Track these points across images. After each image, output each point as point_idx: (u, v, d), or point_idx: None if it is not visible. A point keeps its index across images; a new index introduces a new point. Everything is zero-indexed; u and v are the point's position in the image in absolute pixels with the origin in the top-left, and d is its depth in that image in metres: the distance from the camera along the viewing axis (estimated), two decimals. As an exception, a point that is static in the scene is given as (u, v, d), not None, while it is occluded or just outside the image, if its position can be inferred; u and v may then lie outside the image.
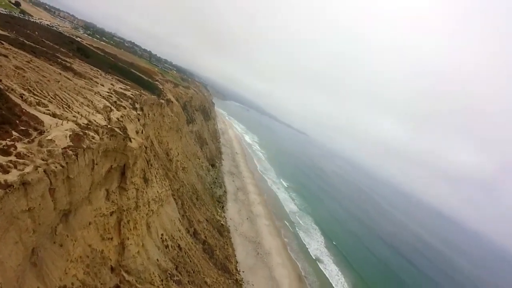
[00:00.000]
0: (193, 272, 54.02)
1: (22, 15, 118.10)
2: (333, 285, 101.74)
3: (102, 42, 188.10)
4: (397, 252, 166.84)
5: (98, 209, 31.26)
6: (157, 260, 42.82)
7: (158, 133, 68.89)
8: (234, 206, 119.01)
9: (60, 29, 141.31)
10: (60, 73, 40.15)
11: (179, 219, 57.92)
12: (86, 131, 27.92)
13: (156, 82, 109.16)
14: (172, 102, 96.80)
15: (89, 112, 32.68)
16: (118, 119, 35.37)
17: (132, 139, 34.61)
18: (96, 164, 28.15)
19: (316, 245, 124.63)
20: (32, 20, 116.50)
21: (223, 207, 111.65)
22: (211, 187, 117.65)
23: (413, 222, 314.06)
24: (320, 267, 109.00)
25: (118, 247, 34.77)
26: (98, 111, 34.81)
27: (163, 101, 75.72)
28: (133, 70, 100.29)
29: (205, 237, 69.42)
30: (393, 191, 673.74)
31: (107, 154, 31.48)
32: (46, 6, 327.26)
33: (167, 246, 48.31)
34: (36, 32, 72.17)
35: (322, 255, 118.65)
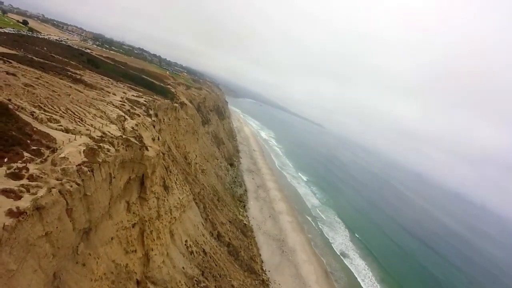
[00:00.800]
0: (220, 277, 53.08)
1: (30, 32, 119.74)
2: (361, 280, 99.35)
3: (112, 52, 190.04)
4: (421, 241, 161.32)
5: (120, 222, 30.42)
6: (183, 268, 41.95)
7: (175, 137, 68.18)
8: (256, 205, 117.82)
9: (69, 42, 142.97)
10: (71, 86, 39.56)
11: (202, 223, 57.03)
12: (101, 144, 26.96)
13: (168, 86, 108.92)
14: (186, 104, 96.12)
15: (102, 124, 31.81)
16: (133, 128, 34.43)
17: (148, 148, 33.62)
18: (114, 177, 27.20)
19: (340, 239, 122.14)
20: (40, 36, 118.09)
21: (244, 206, 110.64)
22: (231, 187, 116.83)
23: (434, 208, 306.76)
24: (347, 262, 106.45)
25: (143, 258, 33.96)
26: (112, 122, 33.94)
27: (177, 104, 74.98)
28: (144, 76, 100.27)
29: (229, 239, 68.46)
30: (411, 175, 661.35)
31: (124, 166, 30.55)
32: (54, 22, 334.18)
33: (192, 252, 47.45)
34: (45, 48, 72.48)
35: (348, 249, 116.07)
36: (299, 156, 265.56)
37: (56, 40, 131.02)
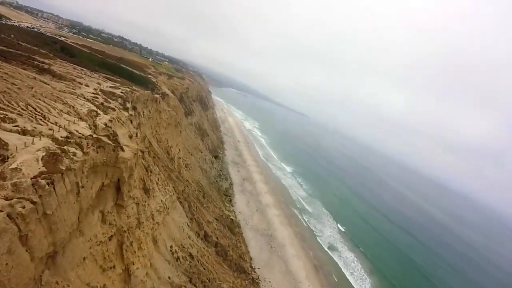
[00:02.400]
0: (209, 281, 49.48)
1: None
2: (350, 274, 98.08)
3: (89, 40, 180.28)
4: (407, 230, 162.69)
5: (93, 237, 26.10)
6: (169, 278, 38.02)
7: (156, 131, 63.30)
8: (242, 198, 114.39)
9: (41, 30, 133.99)
10: (35, 78, 34.45)
11: (187, 223, 53.05)
12: (66, 147, 22.42)
13: (149, 76, 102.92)
14: (167, 95, 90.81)
15: (69, 121, 27.11)
16: (106, 124, 29.84)
17: (124, 147, 29.19)
18: (82, 186, 22.78)
19: (328, 231, 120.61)
20: (9, 23, 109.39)
21: (230, 200, 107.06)
22: (217, 181, 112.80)
23: (419, 197, 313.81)
24: (335, 255, 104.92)
25: (123, 274, 29.81)
26: (81, 118, 29.25)
27: (158, 95, 69.86)
28: (123, 65, 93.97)
29: (217, 238, 64.79)
30: (395, 165, 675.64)
31: (96, 171, 26.11)
32: (28, 9, 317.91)
33: (178, 258, 43.52)
34: (12, 35, 65.75)
35: (336, 242, 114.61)
36: (284, 146, 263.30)
37: (27, 27, 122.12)
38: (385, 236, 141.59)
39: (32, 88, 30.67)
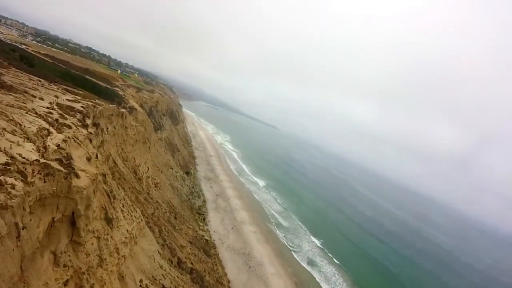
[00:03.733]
0: (183, 315, 44.42)
1: None
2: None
3: (54, 49, 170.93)
4: (381, 239, 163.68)
5: (44, 286, 21.04)
6: (137, 319, 32.89)
7: (122, 149, 57.84)
8: (216, 216, 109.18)
9: (1, 36, 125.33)
10: (-26, 89, 29.07)
11: (158, 251, 47.80)
12: (2, 177, 17.64)
13: (116, 88, 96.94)
14: (135, 109, 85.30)
15: (12, 143, 22.15)
16: (58, 145, 25.02)
17: (80, 173, 24.44)
18: (24, 227, 17.98)
19: (306, 246, 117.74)
20: None
21: (204, 219, 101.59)
22: (189, 199, 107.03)
23: (391, 204, 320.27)
24: (315, 270, 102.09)
25: (81, 325, 24.66)
26: (28, 138, 24.27)
27: (124, 110, 64.56)
28: (88, 77, 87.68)
29: (192, 263, 59.57)
30: (368, 174, 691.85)
31: (44, 204, 21.25)
32: None
33: (148, 294, 38.34)
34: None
35: (315, 256, 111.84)
36: (256, 160, 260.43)
37: None
38: (362, 247, 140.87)
39: (-32, 103, 25.47)
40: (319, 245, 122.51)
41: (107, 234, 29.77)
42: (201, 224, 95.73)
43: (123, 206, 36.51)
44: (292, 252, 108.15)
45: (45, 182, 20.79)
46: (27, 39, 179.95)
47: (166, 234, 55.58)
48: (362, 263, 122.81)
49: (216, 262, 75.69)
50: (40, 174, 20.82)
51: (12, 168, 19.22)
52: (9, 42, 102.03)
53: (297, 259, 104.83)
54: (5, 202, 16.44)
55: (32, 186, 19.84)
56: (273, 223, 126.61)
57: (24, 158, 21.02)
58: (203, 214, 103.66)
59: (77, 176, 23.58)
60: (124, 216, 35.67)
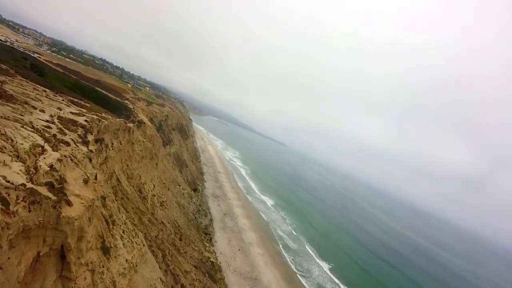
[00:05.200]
0: None
1: None
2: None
3: (67, 59, 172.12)
4: (395, 265, 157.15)
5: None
6: None
7: (127, 165, 54.93)
8: (223, 236, 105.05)
9: (15, 44, 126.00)
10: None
11: (160, 278, 44.07)
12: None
13: (126, 101, 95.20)
14: (144, 123, 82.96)
15: (-3, 163, 19.23)
16: (51, 166, 22.03)
17: (73, 198, 21.31)
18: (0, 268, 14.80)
19: (316, 270, 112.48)
20: None
21: (211, 239, 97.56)
22: (196, 217, 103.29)
23: (402, 226, 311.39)
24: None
25: None
26: (18, 157, 21.34)
27: (132, 124, 62.01)
28: (98, 88, 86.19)
29: (195, 290, 55.55)
30: (377, 193, 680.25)
31: (28, 236, 18.10)
32: (10, 23, 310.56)
33: (146, 329, 34.58)
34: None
35: (325, 282, 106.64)
36: (264, 177, 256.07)
37: (0, 40, 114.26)
38: (372, 272, 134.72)
39: (-44, 114, 22.77)
40: (328, 270, 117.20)
41: (103, 266, 26.37)
42: (207, 244, 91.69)
43: (123, 232, 33.19)
44: (300, 277, 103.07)
45: (30, 211, 17.67)
46: (41, 48, 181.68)
47: (170, 258, 51.88)
48: None
49: (222, 288, 71.39)
50: (25, 201, 17.73)
51: (-10, 194, 16.18)
52: (21, 50, 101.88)
53: (306, 284, 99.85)
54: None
55: (14, 216, 16.73)
56: (281, 245, 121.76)
57: (8, 181, 17.97)
58: (209, 234, 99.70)
59: (69, 204, 20.43)
60: (124, 244, 32.29)
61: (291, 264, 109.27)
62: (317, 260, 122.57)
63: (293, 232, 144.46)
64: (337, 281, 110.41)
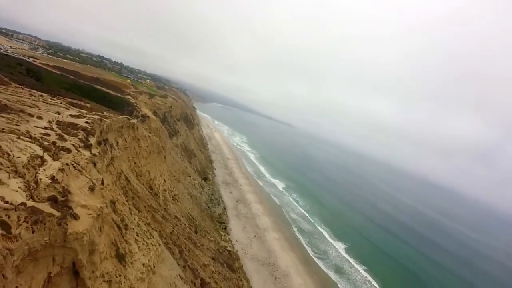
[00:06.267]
0: None
1: None
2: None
3: (64, 60, 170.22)
4: (410, 242, 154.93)
5: None
6: None
7: (135, 163, 53.71)
8: (238, 224, 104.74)
9: (9, 51, 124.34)
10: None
11: (179, 275, 43.30)
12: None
13: (128, 96, 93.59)
14: (148, 117, 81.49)
15: (-7, 181, 17.83)
16: (53, 177, 20.60)
17: (80, 210, 19.94)
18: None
19: (333, 252, 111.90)
20: None
21: (225, 227, 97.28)
22: (209, 207, 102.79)
23: (415, 201, 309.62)
24: (344, 278, 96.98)
25: None
26: (16, 171, 19.94)
27: (135, 120, 60.55)
28: (98, 86, 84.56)
29: (216, 282, 55.00)
30: (388, 170, 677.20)
31: (36, 257, 16.84)
32: (3, 31, 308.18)
33: (169, 330, 33.92)
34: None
35: (343, 263, 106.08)
36: (273, 160, 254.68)
37: None
38: (388, 251, 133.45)
39: None
40: (345, 251, 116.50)
41: (120, 275, 25.27)
42: (223, 233, 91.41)
43: (137, 235, 32.06)
44: (318, 259, 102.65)
45: (33, 232, 16.33)
46: (37, 52, 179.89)
47: (187, 253, 51.17)
48: (390, 269, 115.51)
49: (241, 277, 71.05)
50: (27, 222, 16.37)
51: (-12, 219, 14.80)
52: (16, 56, 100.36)
53: (324, 267, 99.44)
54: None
55: (17, 240, 15.41)
56: (296, 228, 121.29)
57: (7, 202, 16.59)
58: (224, 223, 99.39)
59: (75, 217, 19.07)
60: (139, 247, 31.20)
61: (307, 247, 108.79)
62: (332, 241, 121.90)
63: (306, 214, 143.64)
64: (353, 261, 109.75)
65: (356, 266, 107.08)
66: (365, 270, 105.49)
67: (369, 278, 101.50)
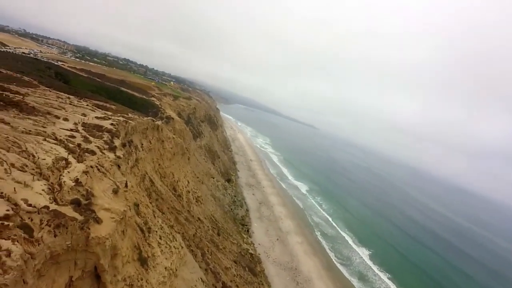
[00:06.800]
0: None
1: None
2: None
3: (91, 63, 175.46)
4: (436, 251, 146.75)
5: None
6: None
7: (159, 164, 53.97)
8: (261, 226, 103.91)
9: (39, 55, 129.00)
10: (-10, 116, 25.56)
11: (201, 279, 42.92)
12: (-7, 240, 13.11)
13: (152, 98, 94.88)
14: (173, 119, 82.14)
15: (19, 184, 17.84)
16: (77, 180, 20.48)
17: (102, 213, 19.71)
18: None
19: (356, 258, 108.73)
20: (1, 49, 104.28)
21: (248, 230, 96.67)
22: (232, 209, 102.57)
23: (443, 207, 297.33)
24: (368, 286, 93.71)
25: None
26: (41, 174, 19.96)
27: (160, 121, 60.95)
28: (123, 88, 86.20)
29: (237, 286, 54.40)
30: (411, 172, 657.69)
31: (58, 261, 16.66)
32: (34, 36, 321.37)
33: (191, 334, 33.50)
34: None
35: (367, 270, 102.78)
36: (296, 162, 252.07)
37: (23, 53, 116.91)
38: (412, 258, 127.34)
39: (-23, 133, 21.67)
40: (369, 257, 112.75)
41: (142, 279, 24.99)
42: (245, 236, 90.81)
43: (160, 238, 31.83)
44: (341, 265, 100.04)
45: (55, 236, 16.15)
46: (66, 56, 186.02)
47: (209, 256, 50.79)
48: (416, 279, 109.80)
49: (262, 281, 70.12)
50: (50, 225, 16.22)
51: (12, 223, 14.65)
52: (45, 60, 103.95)
53: (347, 273, 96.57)
54: (-4, 281, 11.89)
55: (39, 244, 15.25)
56: (320, 233, 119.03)
57: (30, 205, 16.52)
58: (246, 225, 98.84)
59: (98, 221, 18.84)
60: (161, 250, 30.94)
61: (330, 252, 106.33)
62: (355, 247, 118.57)
63: (330, 218, 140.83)
64: (377, 268, 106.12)
65: (380, 274, 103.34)
66: (389, 279, 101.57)
67: (394, 287, 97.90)
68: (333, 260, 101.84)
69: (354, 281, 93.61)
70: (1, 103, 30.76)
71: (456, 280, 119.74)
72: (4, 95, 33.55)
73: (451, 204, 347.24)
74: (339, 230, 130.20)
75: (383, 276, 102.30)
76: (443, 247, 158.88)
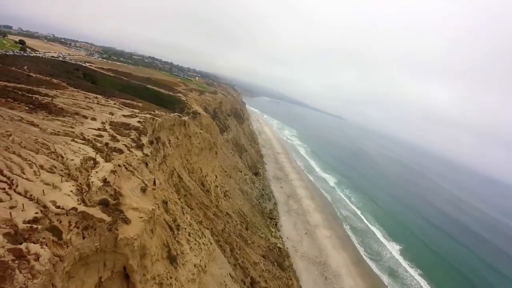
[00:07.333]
0: None
1: (21, 52, 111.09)
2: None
3: (117, 63, 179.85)
4: (469, 247, 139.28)
5: None
6: None
7: (187, 160, 54.26)
8: (289, 220, 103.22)
9: (67, 58, 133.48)
10: (22, 119, 26.16)
11: (230, 274, 42.89)
12: (25, 244, 13.16)
13: (178, 94, 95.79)
14: (199, 114, 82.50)
15: (47, 186, 18.00)
16: (105, 180, 20.49)
17: (131, 213, 19.62)
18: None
19: (386, 253, 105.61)
20: (31, 55, 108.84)
21: (276, 224, 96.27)
22: (259, 202, 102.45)
23: (479, 202, 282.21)
24: (399, 282, 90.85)
25: None
26: (69, 174, 20.12)
27: (187, 117, 61.22)
28: (149, 86, 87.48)
29: (266, 281, 54.12)
30: (444, 164, 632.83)
31: (87, 262, 16.70)
32: (62, 40, 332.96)
33: (220, 331, 33.48)
34: (25, 67, 61.01)
35: (397, 266, 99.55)
36: (325, 154, 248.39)
37: (52, 57, 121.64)
38: (444, 254, 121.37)
39: (10, 135, 22.13)
40: (399, 252, 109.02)
41: (171, 277, 24.97)
42: (273, 230, 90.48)
43: (189, 235, 31.83)
44: (370, 260, 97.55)
45: (84, 238, 16.17)
46: (93, 57, 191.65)
47: (238, 251, 50.72)
48: (448, 276, 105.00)
49: (291, 276, 69.62)
50: (78, 227, 16.25)
51: (41, 226, 14.71)
52: (73, 62, 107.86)
53: (377, 269, 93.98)
54: (25, 283, 11.91)
55: (67, 246, 15.27)
56: (349, 226, 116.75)
57: (58, 207, 16.61)
58: (274, 219, 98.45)
59: (126, 222, 18.76)
60: (191, 247, 30.93)
61: (359, 246, 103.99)
62: (385, 241, 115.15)
63: (358, 211, 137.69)
64: (408, 264, 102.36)
65: (411, 270, 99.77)
66: (420, 275, 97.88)
67: (425, 284, 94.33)
68: (362, 255, 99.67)
69: (384, 277, 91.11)
70: (31, 106, 31.60)
71: (490, 280, 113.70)
72: (33, 98, 34.49)
73: (486, 198, 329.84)
74: (368, 224, 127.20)
75: (414, 273, 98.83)
76: (477, 243, 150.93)
